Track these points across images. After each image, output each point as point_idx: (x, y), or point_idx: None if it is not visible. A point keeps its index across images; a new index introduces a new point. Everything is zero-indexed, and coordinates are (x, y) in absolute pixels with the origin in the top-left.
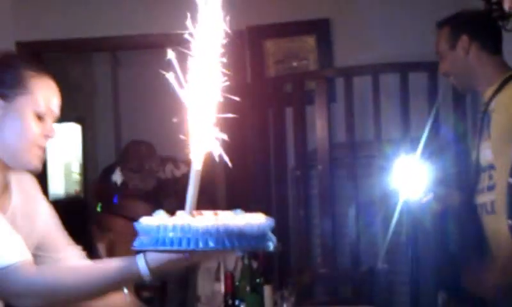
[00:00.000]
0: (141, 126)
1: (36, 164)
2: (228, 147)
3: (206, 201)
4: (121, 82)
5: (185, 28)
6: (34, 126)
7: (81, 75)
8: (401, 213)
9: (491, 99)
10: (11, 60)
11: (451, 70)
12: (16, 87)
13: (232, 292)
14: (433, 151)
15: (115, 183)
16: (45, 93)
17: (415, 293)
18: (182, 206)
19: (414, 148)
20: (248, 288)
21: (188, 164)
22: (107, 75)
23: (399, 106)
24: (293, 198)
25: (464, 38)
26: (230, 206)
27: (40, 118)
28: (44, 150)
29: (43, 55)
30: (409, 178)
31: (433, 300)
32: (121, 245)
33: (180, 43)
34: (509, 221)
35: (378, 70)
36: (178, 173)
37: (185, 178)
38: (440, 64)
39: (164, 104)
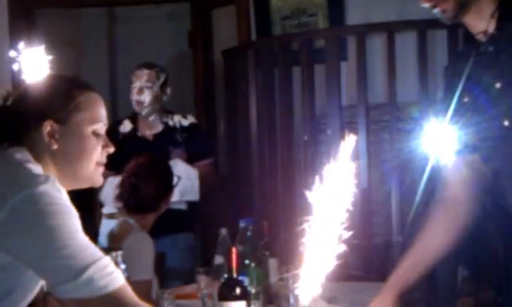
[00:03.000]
0: None
1: (100, 181)
2: (229, 108)
3: (209, 164)
4: (118, 39)
5: None
6: (95, 145)
7: (74, 32)
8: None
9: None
10: (57, 81)
11: None
12: (68, 109)
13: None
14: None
15: None
16: (96, 108)
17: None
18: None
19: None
20: (250, 262)
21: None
22: (103, 32)
23: (415, 66)
24: (300, 164)
25: None
26: (232, 171)
27: (96, 134)
28: (104, 164)
29: (34, 12)
30: (440, 141)
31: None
32: None
33: None
34: None
35: (393, 27)
36: (185, 123)
37: (192, 128)
38: None
39: (165, 63)
